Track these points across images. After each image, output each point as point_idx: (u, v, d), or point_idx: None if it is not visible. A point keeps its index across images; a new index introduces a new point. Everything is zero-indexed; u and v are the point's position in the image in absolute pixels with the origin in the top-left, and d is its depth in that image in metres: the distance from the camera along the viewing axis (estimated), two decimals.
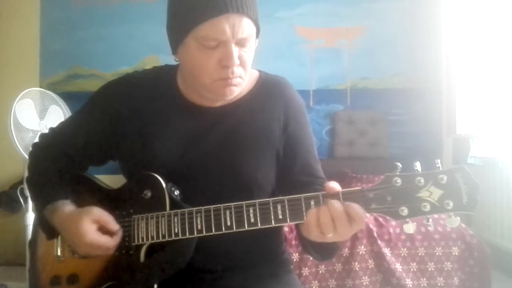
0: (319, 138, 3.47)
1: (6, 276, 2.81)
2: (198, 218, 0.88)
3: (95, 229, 0.93)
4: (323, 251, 0.94)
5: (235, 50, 0.90)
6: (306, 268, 2.09)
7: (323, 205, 0.80)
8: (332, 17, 3.52)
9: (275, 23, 3.44)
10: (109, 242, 0.94)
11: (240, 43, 0.91)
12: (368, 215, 2.41)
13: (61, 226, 0.98)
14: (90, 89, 3.35)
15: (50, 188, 1.02)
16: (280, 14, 3.49)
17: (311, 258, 2.09)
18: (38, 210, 1.03)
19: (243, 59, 0.92)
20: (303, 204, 0.82)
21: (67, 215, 0.97)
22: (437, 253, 2.13)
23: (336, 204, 0.79)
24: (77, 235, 0.93)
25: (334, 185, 0.82)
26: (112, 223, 0.95)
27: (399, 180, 0.78)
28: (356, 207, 0.78)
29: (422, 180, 0.77)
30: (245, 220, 0.85)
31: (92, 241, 0.92)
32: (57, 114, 2.56)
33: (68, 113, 2.60)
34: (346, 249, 2.12)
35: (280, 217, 0.83)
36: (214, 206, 0.87)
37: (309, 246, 0.94)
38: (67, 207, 0.98)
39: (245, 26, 0.89)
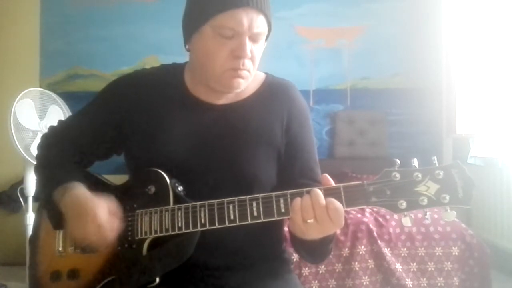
0: (319, 138, 3.48)
1: (6, 276, 2.81)
2: (202, 212, 0.90)
3: (106, 214, 0.93)
4: (314, 251, 0.96)
5: (248, 43, 0.94)
6: (306, 268, 2.09)
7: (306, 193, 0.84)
8: (332, 17, 3.53)
9: (275, 23, 3.38)
10: (114, 232, 0.93)
11: (253, 38, 0.95)
12: (368, 215, 2.41)
13: (69, 206, 0.96)
14: (90, 89, 3.35)
15: (59, 172, 1.03)
16: (280, 14, 3.49)
17: None
18: (46, 196, 1.03)
19: (254, 54, 0.96)
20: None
21: (78, 195, 0.96)
22: (437, 253, 2.13)
23: (318, 191, 0.83)
24: (90, 214, 0.92)
25: (329, 181, 0.86)
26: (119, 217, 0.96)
27: (397, 175, 0.81)
28: (336, 203, 0.82)
29: (420, 175, 0.80)
30: (248, 214, 0.87)
31: (104, 224, 0.92)
32: (57, 114, 2.56)
33: (68, 113, 2.60)
34: (346, 249, 2.12)
35: (283, 210, 0.86)
36: (217, 200, 0.89)
37: (300, 247, 0.97)
38: (82, 189, 0.98)
39: (260, 23, 0.94)
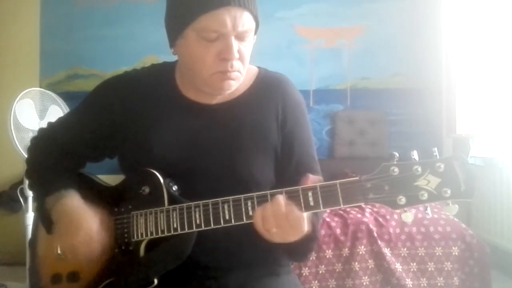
0: (319, 138, 3.47)
1: (6, 276, 2.81)
2: (197, 213, 0.89)
3: (97, 230, 0.94)
4: (291, 253, 0.95)
5: (235, 43, 0.90)
6: (306, 268, 2.09)
7: (269, 201, 0.83)
8: (332, 17, 3.52)
9: (275, 23, 3.43)
10: (102, 244, 0.94)
11: (240, 37, 0.91)
12: (368, 215, 2.40)
13: (61, 215, 0.97)
14: (90, 89, 3.30)
15: (50, 180, 1.02)
16: (280, 14, 3.49)
17: (311, 258, 2.09)
18: (39, 201, 1.03)
19: (242, 53, 0.93)
20: (301, 196, 0.83)
21: (72, 207, 0.96)
22: (437, 253, 2.13)
23: (278, 200, 0.81)
24: (83, 225, 0.92)
25: (307, 180, 0.84)
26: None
27: (396, 169, 0.78)
28: (295, 212, 0.81)
29: (420, 169, 0.76)
30: (243, 213, 0.86)
31: (94, 236, 0.92)
32: (57, 114, 2.56)
33: None
34: (346, 249, 2.12)
35: None
36: (212, 200, 0.88)
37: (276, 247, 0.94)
38: (73, 197, 0.98)
39: (246, 20, 0.90)
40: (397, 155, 0.79)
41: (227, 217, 0.87)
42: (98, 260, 0.96)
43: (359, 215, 2.21)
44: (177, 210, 0.91)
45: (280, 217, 0.81)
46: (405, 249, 2.13)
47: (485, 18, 2.96)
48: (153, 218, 0.93)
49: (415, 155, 0.78)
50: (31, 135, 2.43)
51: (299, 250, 0.93)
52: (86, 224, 0.93)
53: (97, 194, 1.02)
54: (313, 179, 0.84)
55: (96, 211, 0.96)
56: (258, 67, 1.08)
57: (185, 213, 0.90)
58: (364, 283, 2.10)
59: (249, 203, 0.85)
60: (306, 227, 0.84)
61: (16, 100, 2.38)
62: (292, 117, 1.03)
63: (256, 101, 1.03)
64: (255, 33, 0.97)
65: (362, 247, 2.12)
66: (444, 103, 3.43)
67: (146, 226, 0.94)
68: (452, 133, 3.31)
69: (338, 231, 2.14)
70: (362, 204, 2.20)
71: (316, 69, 3.54)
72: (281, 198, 0.82)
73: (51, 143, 1.08)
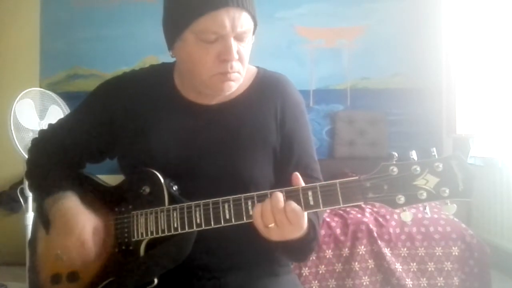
0: (319, 138, 3.48)
1: (6, 276, 2.81)
2: (197, 212, 0.89)
3: (91, 232, 0.94)
4: (292, 253, 0.95)
5: (234, 44, 0.90)
6: (306, 268, 2.09)
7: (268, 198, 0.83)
8: (332, 17, 3.52)
9: (275, 23, 3.43)
10: (95, 250, 0.94)
11: (239, 38, 0.91)
12: (368, 215, 2.40)
13: (57, 216, 0.97)
14: (90, 89, 3.24)
15: (49, 181, 1.02)
16: (280, 14, 3.49)
17: (311, 258, 2.09)
18: (38, 203, 1.03)
19: (241, 54, 0.93)
20: (301, 195, 0.83)
21: (68, 208, 0.96)
22: (437, 253, 2.13)
23: (278, 196, 0.82)
24: (77, 229, 0.92)
25: (299, 180, 0.85)
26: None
27: (395, 169, 0.79)
28: (293, 205, 0.81)
29: (418, 169, 0.77)
30: (244, 213, 0.86)
31: (88, 241, 0.92)
32: (57, 114, 2.56)
33: None
34: (346, 249, 2.12)
35: None
36: (212, 199, 0.88)
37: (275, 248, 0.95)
38: (71, 199, 0.98)
39: (244, 21, 0.90)
40: (396, 155, 0.80)
41: (227, 216, 0.87)
42: (95, 261, 0.96)
43: (359, 215, 2.21)
44: (178, 210, 0.91)
45: (278, 211, 0.81)
46: (405, 249, 2.14)
47: (485, 18, 2.96)
48: (153, 217, 0.93)
49: (413, 155, 0.79)
50: (31, 135, 2.43)
51: (300, 250, 0.93)
52: (80, 225, 0.93)
53: (97, 194, 1.03)
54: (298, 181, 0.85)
55: (93, 212, 0.96)
56: (257, 67, 1.08)
57: (185, 213, 0.90)
58: (364, 283, 2.10)
59: (250, 203, 0.86)
60: (305, 224, 0.84)
61: (16, 100, 2.38)
62: (291, 117, 1.03)
63: (255, 101, 1.03)
64: (253, 33, 0.97)
65: (362, 247, 2.12)
66: (444, 103, 3.43)
67: (146, 226, 0.94)
68: (452, 133, 3.31)
69: (338, 231, 2.14)
70: (362, 204, 2.20)
71: (316, 69, 3.54)
72: (280, 194, 0.82)
73: (51, 144, 1.09)
